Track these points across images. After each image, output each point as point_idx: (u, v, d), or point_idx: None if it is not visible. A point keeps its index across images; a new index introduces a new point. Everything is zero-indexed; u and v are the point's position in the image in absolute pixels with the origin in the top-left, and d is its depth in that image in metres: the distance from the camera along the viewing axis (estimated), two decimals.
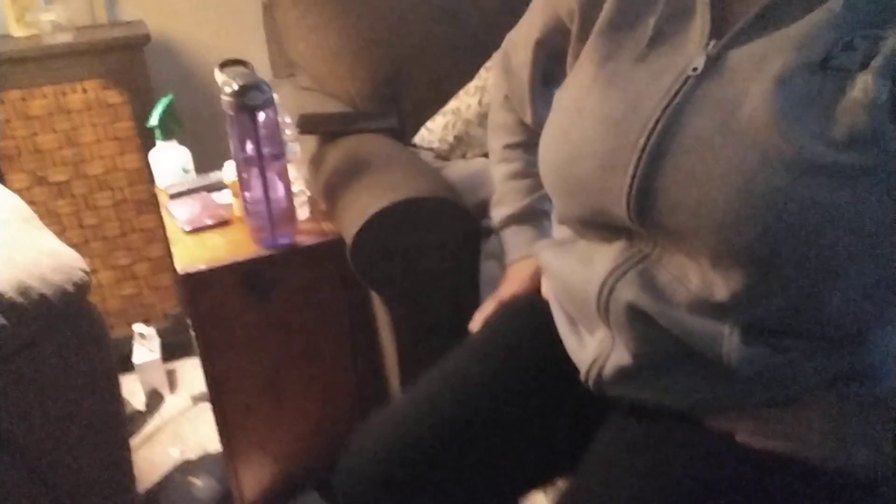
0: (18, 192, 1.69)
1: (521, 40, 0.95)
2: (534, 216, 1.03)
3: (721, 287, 0.65)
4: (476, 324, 0.98)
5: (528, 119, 0.99)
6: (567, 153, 0.74)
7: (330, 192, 1.31)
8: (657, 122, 0.66)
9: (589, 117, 0.72)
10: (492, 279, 1.14)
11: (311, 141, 1.49)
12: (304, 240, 1.31)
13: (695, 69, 0.67)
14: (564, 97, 0.79)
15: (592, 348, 0.78)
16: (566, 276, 0.79)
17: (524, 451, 0.83)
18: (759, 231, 0.59)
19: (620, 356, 0.74)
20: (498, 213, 1.06)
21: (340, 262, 1.23)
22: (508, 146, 1.05)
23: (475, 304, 1.02)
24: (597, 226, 0.75)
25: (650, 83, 0.69)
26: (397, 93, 1.70)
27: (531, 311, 0.92)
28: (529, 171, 1.03)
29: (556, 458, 0.85)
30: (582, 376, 0.79)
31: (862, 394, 0.70)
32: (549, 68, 0.93)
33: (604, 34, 0.76)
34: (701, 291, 0.66)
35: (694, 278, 0.67)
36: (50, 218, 1.83)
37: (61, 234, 1.86)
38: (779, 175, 0.59)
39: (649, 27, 0.72)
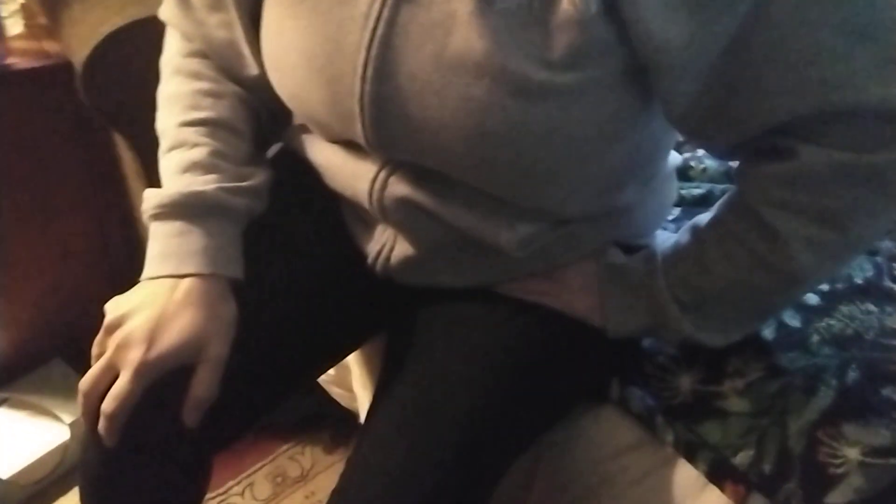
0: None
1: None
2: (218, 210, 0.68)
3: (486, 192, 0.64)
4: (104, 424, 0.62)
5: (249, 68, 0.72)
6: (290, 90, 0.66)
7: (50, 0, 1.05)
8: (365, 64, 0.58)
9: (292, 49, 0.63)
10: None
11: None
12: (18, 62, 1.08)
13: None
14: (265, 8, 0.66)
15: (377, 239, 0.74)
16: (335, 171, 0.72)
17: (317, 336, 0.76)
18: (503, 166, 0.59)
19: (404, 247, 0.71)
20: (154, 195, 0.68)
21: (70, 92, 1.00)
22: (188, 124, 0.71)
23: None
24: (357, 145, 0.67)
25: (343, 3, 0.59)
26: None
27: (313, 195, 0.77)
28: (217, 165, 0.69)
29: (353, 336, 0.83)
30: (369, 265, 0.75)
31: (615, 262, 0.72)
32: None
33: None
34: (472, 189, 0.64)
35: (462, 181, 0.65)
36: None
37: None
38: (509, 109, 0.56)
39: None
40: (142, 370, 0.61)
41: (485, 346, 0.69)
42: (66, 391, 1.29)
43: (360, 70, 0.58)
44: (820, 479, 0.64)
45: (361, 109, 0.60)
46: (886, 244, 0.86)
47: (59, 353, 1.34)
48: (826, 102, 0.55)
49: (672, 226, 0.89)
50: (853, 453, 0.64)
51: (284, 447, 1.32)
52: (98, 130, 1.11)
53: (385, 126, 0.60)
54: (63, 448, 1.22)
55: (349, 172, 0.70)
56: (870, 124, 0.55)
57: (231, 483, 1.26)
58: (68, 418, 1.25)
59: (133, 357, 0.61)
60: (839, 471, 0.63)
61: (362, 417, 1.00)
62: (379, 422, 0.68)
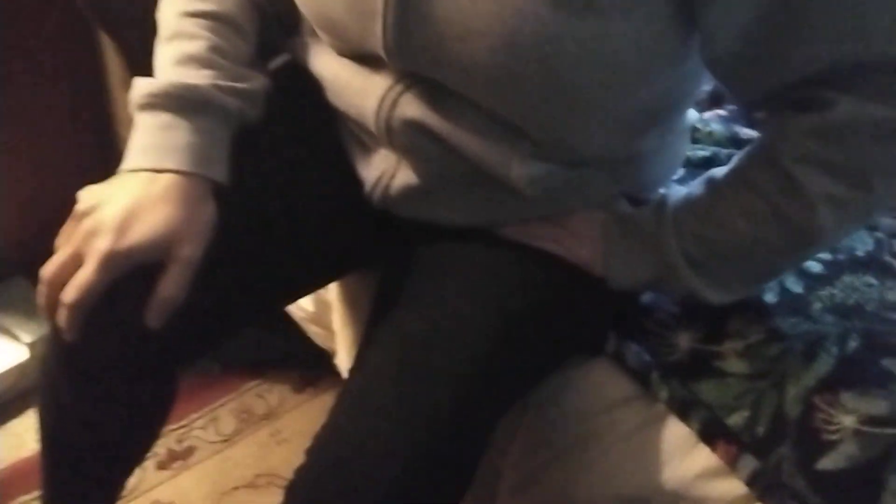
0: None
1: None
2: (210, 107, 0.64)
3: (500, 117, 0.61)
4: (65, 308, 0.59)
5: None
6: None
7: None
8: None
9: None
10: None
11: None
12: None
13: None
14: None
15: (377, 164, 0.70)
16: (342, 86, 0.68)
17: (299, 260, 0.73)
18: (529, 85, 0.56)
19: (407, 175, 0.68)
20: (144, 84, 0.64)
21: None
22: (190, 14, 0.67)
23: None
24: (369, 58, 0.64)
25: None
26: None
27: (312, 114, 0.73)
28: (214, 60, 0.65)
29: (338, 264, 0.80)
30: (366, 192, 0.71)
31: (623, 211, 0.71)
32: None
33: None
34: (488, 114, 0.62)
35: (480, 103, 0.61)
36: None
37: None
38: (545, 19, 0.53)
39: None
40: (108, 261, 0.58)
41: (487, 288, 0.68)
42: (26, 310, 1.24)
43: None
44: (813, 445, 0.64)
45: (385, 7, 0.57)
46: (887, 221, 0.87)
47: (21, 271, 1.29)
48: (867, 52, 0.54)
49: (675, 185, 0.88)
50: (849, 420, 0.64)
51: (251, 384, 1.30)
52: (84, 35, 1.06)
53: (407, 28, 0.57)
54: (21, 368, 1.19)
55: (357, 88, 0.66)
56: None
57: (194, 416, 1.24)
58: (27, 338, 1.21)
59: (100, 246, 0.58)
60: (833, 437, 0.64)
61: (340, 356, 0.99)
62: (376, 355, 0.66)
